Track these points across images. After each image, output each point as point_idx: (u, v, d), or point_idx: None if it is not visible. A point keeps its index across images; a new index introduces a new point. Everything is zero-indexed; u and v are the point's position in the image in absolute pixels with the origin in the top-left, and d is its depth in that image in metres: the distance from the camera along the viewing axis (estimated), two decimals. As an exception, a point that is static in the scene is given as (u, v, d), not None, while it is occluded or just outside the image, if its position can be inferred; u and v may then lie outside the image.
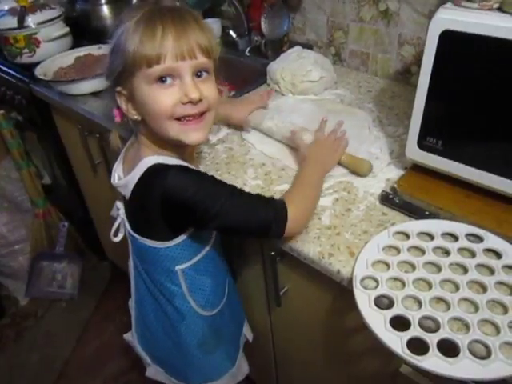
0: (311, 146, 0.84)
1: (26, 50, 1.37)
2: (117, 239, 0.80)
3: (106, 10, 1.47)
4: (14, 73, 1.44)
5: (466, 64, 0.66)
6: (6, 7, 1.40)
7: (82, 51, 1.37)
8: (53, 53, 1.37)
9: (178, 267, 0.75)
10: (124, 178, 0.72)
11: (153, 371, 0.94)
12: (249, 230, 0.70)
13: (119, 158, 0.78)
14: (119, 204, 0.79)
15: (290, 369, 1.11)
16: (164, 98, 0.62)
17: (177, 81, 0.63)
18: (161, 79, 0.62)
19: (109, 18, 1.49)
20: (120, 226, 0.80)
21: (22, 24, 1.33)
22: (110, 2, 1.47)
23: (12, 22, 1.34)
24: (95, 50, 1.38)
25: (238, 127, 1.01)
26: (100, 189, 1.45)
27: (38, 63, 1.32)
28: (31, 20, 1.36)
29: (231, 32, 1.41)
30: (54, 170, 1.68)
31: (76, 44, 1.47)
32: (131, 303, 0.92)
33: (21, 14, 1.32)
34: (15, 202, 1.79)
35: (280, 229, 0.68)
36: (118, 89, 0.65)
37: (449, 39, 0.66)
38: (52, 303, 1.83)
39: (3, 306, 1.83)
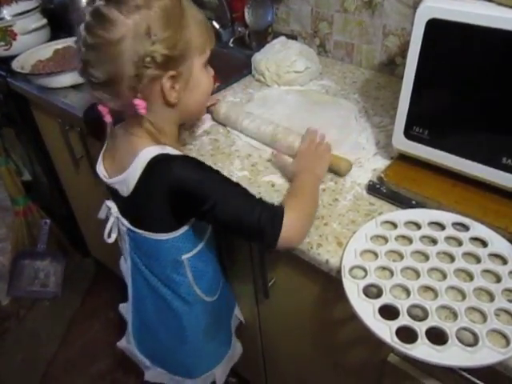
0: (296, 160, 0.81)
1: (1, 43, 1.32)
2: (111, 240, 0.78)
3: (84, 1, 1.43)
4: (-11, 67, 1.40)
5: (452, 53, 0.66)
6: (-20, -1, 1.35)
7: (60, 43, 1.33)
8: (30, 45, 1.33)
9: (184, 256, 0.75)
10: (118, 174, 0.69)
11: (152, 374, 0.93)
12: (243, 226, 0.66)
13: (100, 156, 0.76)
14: (110, 203, 0.76)
15: (277, 360, 1.11)
16: (211, 80, 0.72)
17: None
18: (205, 64, 0.69)
19: None
20: (113, 225, 0.78)
21: (-4, 16, 1.29)
22: (88, -7, 1.44)
23: (-14, 14, 1.30)
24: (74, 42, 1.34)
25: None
26: (82, 184, 1.42)
27: (15, 56, 1.27)
28: (6, 12, 1.31)
29: (214, 23, 1.38)
30: (34, 167, 1.64)
31: (54, 36, 1.43)
32: (124, 308, 0.90)
33: (-5, 6, 1.28)
34: (-6, 200, 1.75)
35: (275, 232, 0.65)
36: (172, 73, 0.63)
37: (435, 28, 0.65)
38: (35, 302, 1.79)
39: (-16, 306, 1.79)
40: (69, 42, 1.34)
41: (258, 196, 0.70)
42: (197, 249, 0.77)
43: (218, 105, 0.97)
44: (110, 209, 0.77)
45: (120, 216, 0.76)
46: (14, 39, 1.33)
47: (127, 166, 0.67)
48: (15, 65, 1.22)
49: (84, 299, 1.81)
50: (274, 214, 0.66)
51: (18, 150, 1.66)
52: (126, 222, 0.75)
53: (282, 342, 1.03)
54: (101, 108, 0.67)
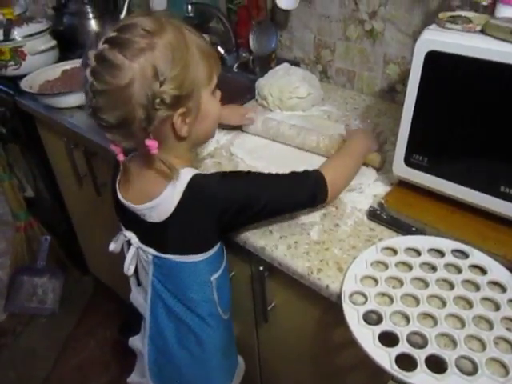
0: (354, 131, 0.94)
1: (11, 63, 1.36)
2: (130, 272, 0.77)
3: (93, 24, 1.48)
4: (-2, 85, 1.43)
5: (451, 84, 0.68)
6: (-8, 20, 1.38)
7: (68, 65, 1.36)
8: (39, 66, 1.36)
9: (214, 277, 0.76)
10: (142, 201, 0.69)
11: None
12: (298, 206, 0.77)
13: (117, 187, 0.75)
14: (129, 234, 0.75)
15: (276, 383, 1.10)
16: (219, 106, 0.73)
17: None
18: (212, 91, 0.70)
19: (96, 33, 1.49)
20: (133, 257, 0.76)
21: (7, 37, 1.32)
22: (97, 17, 1.48)
23: (-2, 34, 1.33)
24: (82, 63, 1.37)
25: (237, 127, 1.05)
26: (85, 202, 1.43)
27: (23, 76, 1.30)
28: (17, 33, 1.34)
29: (219, 48, 1.42)
30: (37, 183, 1.66)
31: (63, 57, 1.46)
32: (135, 341, 0.87)
33: (7, 27, 1.31)
34: (-4, 214, 1.75)
35: (324, 195, 0.75)
36: (182, 110, 0.64)
37: (434, 60, 0.67)
38: (32, 319, 1.78)
39: (-20, 322, 1.77)
40: (77, 63, 1.37)
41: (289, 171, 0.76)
42: (222, 267, 0.78)
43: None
44: (128, 239, 0.75)
45: (142, 245, 0.74)
46: (24, 59, 1.37)
47: (156, 191, 0.67)
48: (24, 84, 1.25)
49: (81, 317, 1.80)
50: (317, 181, 0.74)
51: (21, 166, 1.67)
52: (151, 250, 0.73)
53: (280, 365, 1.02)
54: (113, 147, 0.67)
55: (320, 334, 0.84)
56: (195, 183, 0.67)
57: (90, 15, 1.47)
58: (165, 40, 0.60)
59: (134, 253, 0.75)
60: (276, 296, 0.87)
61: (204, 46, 0.66)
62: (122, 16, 1.54)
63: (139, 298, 0.83)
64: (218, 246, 0.75)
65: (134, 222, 0.73)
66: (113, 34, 0.59)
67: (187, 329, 0.79)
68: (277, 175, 0.74)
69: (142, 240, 0.75)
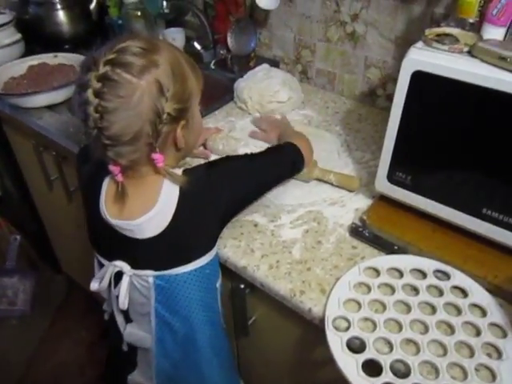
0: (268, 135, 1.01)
1: (-28, 58, 1.27)
2: (126, 306, 0.71)
3: (61, 15, 1.39)
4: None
5: (436, 104, 0.67)
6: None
7: (35, 59, 1.28)
8: (3, 61, 1.27)
9: (218, 284, 0.77)
10: (137, 216, 0.66)
11: None
12: (281, 177, 0.84)
13: (101, 205, 0.70)
14: (119, 263, 0.70)
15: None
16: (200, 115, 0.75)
17: None
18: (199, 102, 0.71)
19: (65, 24, 1.40)
20: (127, 289, 0.70)
21: (-33, 30, 1.23)
22: (66, 7, 1.39)
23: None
24: (50, 58, 1.29)
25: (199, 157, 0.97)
26: (56, 203, 1.37)
27: (-15, 71, 1.22)
28: (-22, 26, 1.26)
29: (195, 43, 1.37)
30: (4, 181, 1.58)
31: (28, 51, 1.38)
32: (137, 377, 0.81)
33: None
34: (-39, 214, 1.67)
35: (302, 160, 0.83)
36: (183, 122, 0.66)
37: (420, 79, 0.66)
38: (2, 322, 1.72)
39: None
40: (44, 58, 1.30)
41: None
42: (220, 274, 0.78)
43: (213, 142, 0.97)
44: (119, 268, 0.70)
45: (137, 271, 0.69)
46: (-14, 54, 1.28)
47: (151, 202, 0.65)
48: (-13, 82, 1.17)
49: (54, 317, 1.75)
50: (293, 149, 0.82)
51: (-13, 164, 1.59)
52: (149, 272, 0.69)
53: (260, 378, 1.01)
54: (112, 168, 0.65)
55: (301, 349, 0.84)
56: (186, 182, 0.67)
57: (58, 6, 1.38)
58: (162, 56, 0.62)
59: (129, 282, 0.70)
60: (257, 311, 0.86)
61: (188, 59, 0.69)
62: (92, 7, 1.47)
63: (138, 333, 0.76)
64: (216, 248, 0.74)
65: (123, 246, 0.69)
66: (111, 56, 0.59)
67: (195, 347, 0.76)
68: (256, 154, 0.79)
69: (135, 265, 0.70)
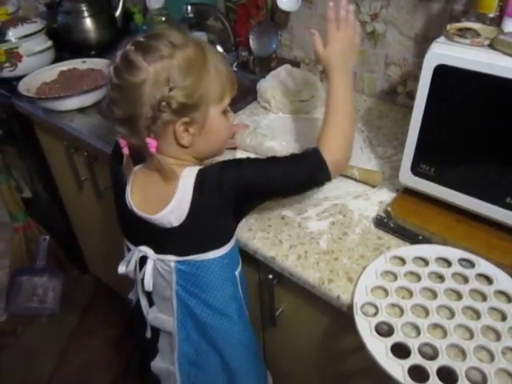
0: (332, 47, 0.80)
1: (7, 64, 1.33)
2: (151, 288, 0.76)
3: (88, 22, 1.45)
4: (-6, 87, 1.40)
5: (459, 97, 0.69)
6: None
7: (65, 65, 1.34)
8: (35, 67, 1.34)
9: (237, 271, 0.78)
10: (159, 209, 0.69)
11: None
12: (300, 186, 0.77)
13: (127, 197, 0.74)
14: (144, 248, 0.74)
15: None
16: (229, 126, 0.75)
17: None
18: (224, 111, 0.72)
19: (92, 31, 1.46)
20: (151, 273, 0.75)
21: (2, 38, 1.30)
22: (92, 15, 1.45)
23: (-8, 36, 1.31)
24: (79, 64, 1.35)
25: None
26: (85, 204, 1.42)
27: (19, 77, 1.28)
28: (12, 34, 1.32)
29: (218, 46, 1.41)
30: (35, 184, 1.64)
31: (58, 56, 1.44)
32: (159, 363, 0.84)
33: (1, 29, 1.29)
34: (-7, 216, 1.74)
35: (325, 174, 0.74)
36: (186, 119, 0.67)
37: (443, 73, 0.68)
38: (32, 319, 1.79)
39: (-20, 324, 1.77)
40: (73, 64, 1.35)
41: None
42: (240, 262, 0.80)
43: (241, 136, 0.99)
44: (144, 252, 0.74)
45: (160, 256, 0.74)
46: (19, 61, 1.34)
47: (169, 196, 0.68)
48: (21, 87, 1.23)
49: (82, 316, 1.80)
50: (314, 162, 0.74)
51: (18, 167, 1.66)
52: (172, 257, 0.73)
53: (287, 368, 1.04)
54: (120, 140, 0.71)
55: (328, 339, 0.86)
56: (201, 176, 0.69)
57: (85, 13, 1.44)
58: (184, 53, 0.65)
59: (153, 266, 0.75)
60: (284, 301, 0.89)
61: (223, 68, 0.70)
62: (117, 14, 1.52)
63: (161, 316, 0.80)
64: (235, 238, 0.77)
65: (148, 233, 0.73)
66: (141, 39, 0.65)
67: (216, 334, 0.78)
68: (274, 158, 0.75)
69: (158, 250, 0.74)
